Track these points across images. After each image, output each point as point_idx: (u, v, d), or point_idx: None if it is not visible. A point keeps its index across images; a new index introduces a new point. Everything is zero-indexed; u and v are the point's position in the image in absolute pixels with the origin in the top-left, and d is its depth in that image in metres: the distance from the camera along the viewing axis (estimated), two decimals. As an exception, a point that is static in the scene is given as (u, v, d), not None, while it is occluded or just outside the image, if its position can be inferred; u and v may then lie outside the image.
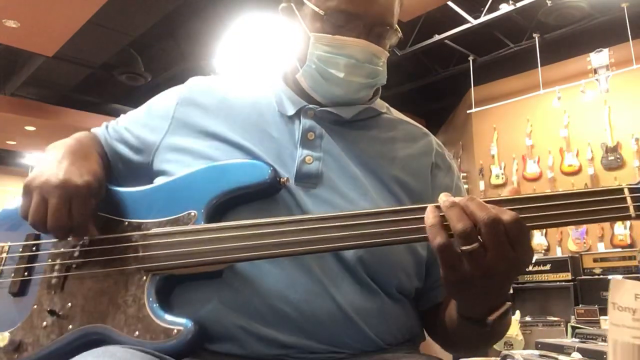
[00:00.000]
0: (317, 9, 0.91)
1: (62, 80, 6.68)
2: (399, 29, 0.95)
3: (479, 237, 0.65)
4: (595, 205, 0.69)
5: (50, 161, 0.86)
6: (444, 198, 0.69)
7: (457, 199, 0.68)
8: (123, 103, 7.22)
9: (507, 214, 0.66)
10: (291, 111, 0.94)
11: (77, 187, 0.81)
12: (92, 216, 0.85)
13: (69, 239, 0.84)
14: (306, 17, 0.94)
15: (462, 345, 0.90)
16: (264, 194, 0.85)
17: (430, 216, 0.68)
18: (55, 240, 0.88)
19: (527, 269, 0.74)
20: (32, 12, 4.56)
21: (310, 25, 0.92)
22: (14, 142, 7.58)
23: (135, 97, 6.74)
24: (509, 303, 0.73)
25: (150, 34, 5.55)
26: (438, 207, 0.69)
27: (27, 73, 6.18)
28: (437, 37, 5.71)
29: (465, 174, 6.85)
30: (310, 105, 0.94)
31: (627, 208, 0.69)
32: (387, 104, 1.06)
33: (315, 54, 0.91)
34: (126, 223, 0.87)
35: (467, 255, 0.65)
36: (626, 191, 0.69)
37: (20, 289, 0.88)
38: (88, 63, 6.16)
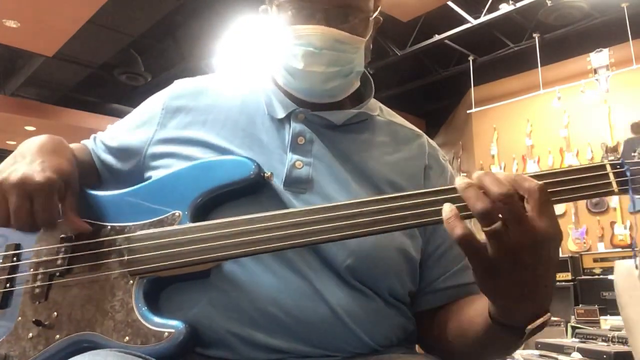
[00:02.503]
0: (274, 2, 0.90)
1: (62, 80, 6.69)
2: (370, 8, 0.91)
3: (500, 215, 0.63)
4: (579, 183, 0.70)
5: (14, 157, 0.85)
6: (459, 181, 0.66)
7: (471, 180, 0.66)
8: (123, 103, 7.22)
9: (526, 184, 0.64)
10: (281, 114, 0.92)
11: (37, 184, 0.79)
12: (70, 210, 0.83)
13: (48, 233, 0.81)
14: (275, 17, 0.92)
15: (466, 353, 0.85)
16: (248, 191, 0.83)
17: (446, 209, 0.66)
18: (36, 248, 0.86)
19: (559, 253, 0.71)
20: (32, 12, 4.57)
21: (277, 23, 0.91)
22: (14, 142, 7.59)
23: (135, 97, 6.74)
24: (549, 314, 0.67)
25: (150, 34, 5.56)
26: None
27: (27, 73, 6.19)
28: (437, 37, 5.71)
29: (465, 174, 6.84)
30: (301, 109, 0.92)
31: (610, 184, 0.70)
32: (380, 104, 1.03)
33: (281, 50, 0.90)
34: (109, 227, 0.85)
35: (490, 237, 0.63)
36: (608, 167, 0.70)
37: (3, 301, 0.85)
38: (88, 63, 6.17)
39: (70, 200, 0.84)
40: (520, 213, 0.63)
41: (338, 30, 0.87)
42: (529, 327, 0.67)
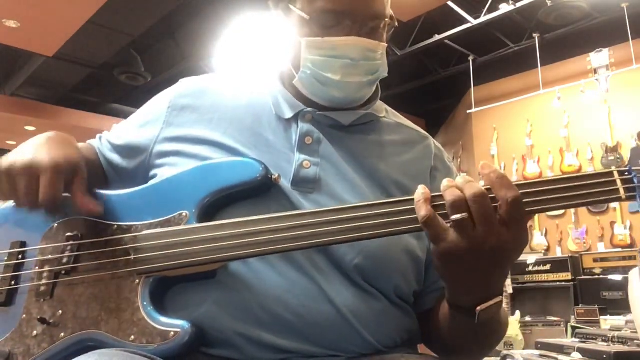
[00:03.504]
0: (302, 14, 0.89)
1: (62, 80, 6.68)
2: (393, 17, 0.93)
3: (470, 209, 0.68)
4: (587, 189, 0.71)
5: (21, 147, 0.86)
6: (445, 183, 0.71)
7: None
8: (123, 103, 7.22)
9: (503, 191, 0.68)
10: (288, 114, 0.93)
11: (44, 163, 0.80)
12: (79, 191, 0.83)
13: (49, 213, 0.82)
14: (295, 24, 0.91)
15: (455, 347, 0.89)
16: (255, 192, 0.83)
17: (418, 193, 0.71)
18: (42, 246, 0.87)
19: (518, 258, 0.75)
20: (32, 12, 4.56)
21: (299, 31, 0.90)
22: (14, 142, 7.58)
23: (135, 97, 6.74)
24: (501, 297, 0.74)
25: (150, 34, 5.55)
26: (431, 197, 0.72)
27: (27, 73, 6.19)
28: (437, 37, 5.71)
29: (465, 174, 6.84)
30: (308, 109, 0.93)
31: (617, 190, 0.71)
32: (386, 106, 1.04)
33: (309, 59, 0.89)
34: (115, 227, 0.85)
35: (456, 226, 0.68)
36: (616, 174, 0.72)
37: (8, 299, 0.85)
38: (88, 63, 6.17)
39: (80, 182, 0.84)
40: (488, 214, 0.68)
41: (369, 40, 0.89)
42: (479, 308, 0.72)
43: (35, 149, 0.84)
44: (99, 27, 5.15)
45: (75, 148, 0.89)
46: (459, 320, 0.78)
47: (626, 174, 0.71)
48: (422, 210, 0.69)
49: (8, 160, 0.83)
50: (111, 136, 1.02)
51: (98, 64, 6.15)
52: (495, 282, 0.73)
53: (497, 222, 0.68)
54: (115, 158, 0.99)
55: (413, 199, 0.72)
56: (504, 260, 0.71)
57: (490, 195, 0.69)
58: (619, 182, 0.71)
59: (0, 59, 5.99)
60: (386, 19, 0.91)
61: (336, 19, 0.88)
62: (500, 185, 0.69)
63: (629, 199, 0.71)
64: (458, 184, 0.70)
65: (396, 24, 0.94)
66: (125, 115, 1.05)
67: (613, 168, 0.72)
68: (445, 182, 0.71)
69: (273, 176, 0.83)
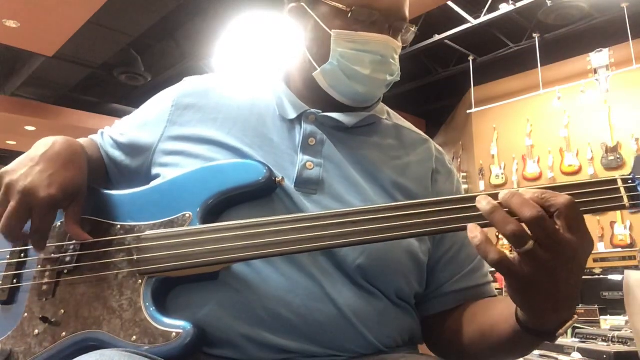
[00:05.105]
0: (340, 6, 0.89)
1: (62, 80, 6.69)
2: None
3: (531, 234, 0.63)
4: (590, 197, 0.70)
5: (30, 158, 0.84)
6: (483, 203, 0.65)
7: (498, 200, 0.65)
8: (123, 103, 7.22)
9: (555, 201, 0.63)
10: (292, 115, 0.93)
11: (39, 199, 0.79)
12: (71, 220, 0.83)
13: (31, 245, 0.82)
14: (324, 15, 0.92)
15: (487, 357, 0.86)
16: (259, 194, 0.83)
17: (475, 233, 0.64)
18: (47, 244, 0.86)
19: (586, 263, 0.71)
20: (32, 12, 4.56)
21: (329, 23, 0.91)
22: (14, 142, 7.59)
23: (135, 97, 6.75)
24: (576, 316, 0.69)
25: (150, 34, 5.56)
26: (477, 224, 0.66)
27: (27, 73, 6.19)
28: (437, 37, 5.71)
29: (465, 174, 6.86)
30: (312, 110, 0.93)
31: (621, 198, 0.70)
32: (387, 108, 1.04)
33: (339, 52, 0.90)
34: (118, 226, 0.85)
35: (524, 257, 0.63)
36: (619, 182, 0.70)
37: (10, 297, 0.86)
38: (88, 63, 6.17)
39: (74, 210, 0.84)
40: (553, 232, 0.62)
41: (396, 41, 0.92)
42: (560, 331, 0.68)
43: (39, 170, 0.82)
44: (99, 27, 5.16)
45: (80, 167, 0.87)
46: (527, 340, 0.73)
47: (630, 182, 0.70)
48: (490, 254, 0.63)
49: (10, 172, 0.82)
50: (114, 132, 1.01)
51: (98, 64, 6.15)
52: (574, 298, 0.67)
53: (562, 236, 0.62)
54: (118, 155, 0.99)
55: (415, 204, 0.72)
56: (577, 266, 0.64)
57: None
58: (622, 190, 0.70)
59: (0, 59, 6.00)
60: (407, 24, 0.94)
61: (374, 16, 0.89)
62: (549, 197, 0.64)
63: (632, 207, 0.69)
64: (509, 205, 0.64)
65: (414, 30, 0.95)
66: (125, 115, 1.05)
67: (617, 176, 0.71)
68: (484, 204, 0.65)
69: (277, 178, 0.83)
